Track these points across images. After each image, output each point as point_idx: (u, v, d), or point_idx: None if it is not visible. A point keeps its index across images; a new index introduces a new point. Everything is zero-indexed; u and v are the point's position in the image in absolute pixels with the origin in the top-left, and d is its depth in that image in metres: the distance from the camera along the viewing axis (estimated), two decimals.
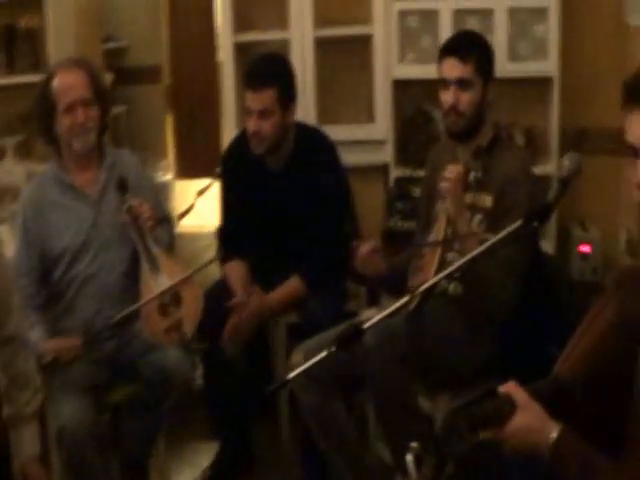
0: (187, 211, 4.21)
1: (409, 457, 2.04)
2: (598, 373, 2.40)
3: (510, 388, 2.22)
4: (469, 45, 3.71)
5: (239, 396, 4.17)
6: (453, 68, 3.62)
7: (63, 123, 3.74)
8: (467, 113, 3.62)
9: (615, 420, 2.30)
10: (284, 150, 4.19)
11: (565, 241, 5.16)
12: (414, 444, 2.05)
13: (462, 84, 3.62)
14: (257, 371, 4.26)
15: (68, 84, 3.73)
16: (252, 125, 4.05)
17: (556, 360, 2.54)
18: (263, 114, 4.03)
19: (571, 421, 2.21)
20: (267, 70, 4.11)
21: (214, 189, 4.53)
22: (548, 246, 4.76)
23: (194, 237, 6.88)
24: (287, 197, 4.19)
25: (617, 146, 4.94)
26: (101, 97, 3.83)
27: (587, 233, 5.13)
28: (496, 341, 3.58)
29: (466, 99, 3.62)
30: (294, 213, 4.18)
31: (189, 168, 8.47)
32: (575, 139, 5.06)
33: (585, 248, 5.09)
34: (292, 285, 4.17)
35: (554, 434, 2.14)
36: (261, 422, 4.43)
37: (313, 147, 4.24)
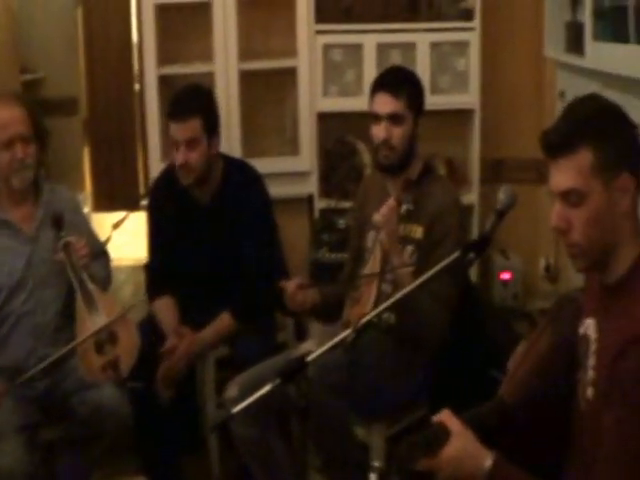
0: (104, 244, 4.18)
1: (372, 477, 2.08)
2: (539, 395, 2.48)
3: (444, 417, 2.25)
4: (401, 81, 3.77)
5: (169, 433, 4.14)
6: (386, 103, 3.67)
7: (1, 159, 3.71)
8: (399, 147, 3.68)
9: (555, 440, 2.38)
10: (212, 183, 4.19)
11: (487, 269, 5.27)
12: (376, 464, 2.09)
13: (394, 119, 3.67)
14: (185, 406, 4.24)
15: (6, 120, 3.71)
16: (180, 157, 4.04)
17: (486, 384, 2.62)
18: (190, 144, 4.02)
19: (515, 442, 2.28)
20: (191, 100, 4.11)
21: (132, 221, 4.51)
22: (471, 274, 4.85)
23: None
24: (215, 231, 4.19)
25: (534, 175, 5.09)
26: (39, 133, 3.81)
27: (508, 261, 5.27)
28: (429, 370, 3.64)
29: (398, 134, 3.67)
30: (222, 247, 4.18)
31: (106, 201, 8.40)
32: (494, 169, 5.19)
33: (506, 275, 5.22)
34: (223, 322, 4.16)
35: (489, 462, 2.17)
36: (191, 459, 4.39)
37: (241, 180, 4.24)
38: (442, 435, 2.19)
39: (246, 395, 2.72)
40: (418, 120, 3.75)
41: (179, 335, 4.09)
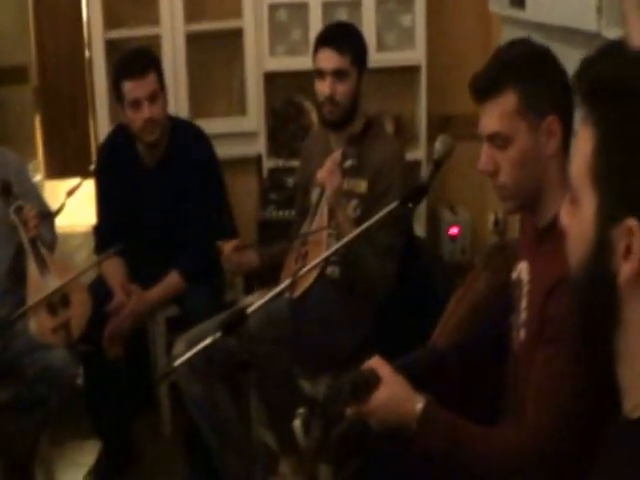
0: (58, 211, 4.16)
1: (297, 422, 2.08)
2: (472, 339, 2.52)
3: (374, 363, 2.25)
4: (345, 36, 3.77)
5: (120, 394, 4.14)
6: (330, 59, 3.67)
7: None
8: (343, 103, 3.68)
9: (490, 383, 2.42)
10: (159, 144, 4.18)
11: (435, 224, 5.31)
12: (301, 410, 2.09)
13: (339, 74, 3.67)
14: (137, 367, 4.24)
15: None
16: (146, 112, 4.01)
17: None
18: (151, 99, 4.02)
19: (449, 387, 2.30)
20: (144, 57, 4.15)
21: (85, 188, 4.50)
22: (419, 230, 4.89)
23: (65, 237, 6.79)
24: (163, 191, 4.19)
25: None
26: None
27: (456, 216, 5.31)
28: (373, 322, 3.67)
29: (342, 89, 3.67)
30: (170, 207, 4.19)
31: (59, 168, 8.35)
32: (441, 125, 5.20)
33: (454, 230, 5.27)
34: (171, 281, 4.17)
35: (419, 406, 2.17)
36: (143, 418, 4.42)
37: (188, 140, 4.24)
38: (372, 381, 2.18)
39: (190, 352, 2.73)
40: (362, 76, 3.75)
41: (126, 293, 4.09)
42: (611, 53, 1.31)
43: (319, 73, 3.71)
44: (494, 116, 2.26)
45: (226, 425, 3.73)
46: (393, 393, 2.19)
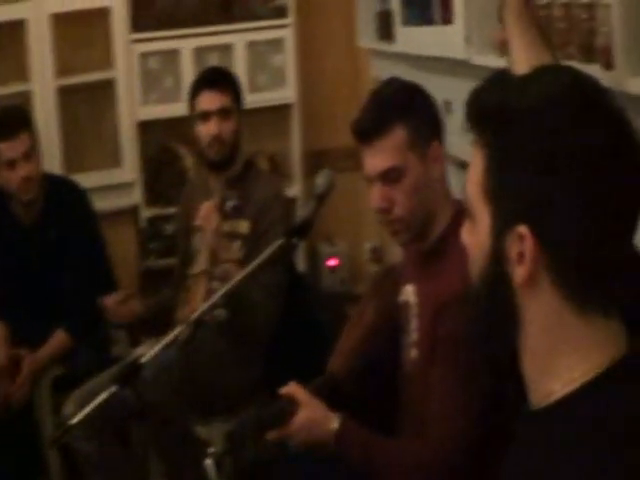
0: None
1: (208, 462, 2.13)
2: (366, 363, 2.60)
3: (291, 389, 2.37)
4: (224, 76, 3.88)
5: (4, 461, 4.00)
6: (213, 99, 3.72)
7: None
8: (229, 141, 3.73)
9: (386, 403, 2.50)
10: (35, 202, 4.10)
11: (314, 257, 5.35)
12: (211, 449, 2.14)
13: (224, 113, 3.72)
14: (21, 431, 4.09)
15: None
16: (21, 171, 3.93)
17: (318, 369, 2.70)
18: (26, 158, 3.94)
19: (346, 410, 2.38)
20: (15, 115, 4.08)
21: None
22: (299, 263, 4.90)
23: None
24: (42, 251, 4.11)
25: (355, 163, 5.18)
26: None
27: (334, 247, 5.37)
28: (263, 360, 3.69)
29: (228, 128, 3.73)
30: (50, 266, 4.10)
31: None
32: (316, 161, 5.26)
33: (333, 262, 5.33)
34: (58, 339, 4.07)
35: (335, 424, 2.29)
36: None
37: (64, 197, 4.18)
38: (290, 405, 2.31)
39: (84, 409, 2.68)
40: (241, 116, 3.82)
41: (16, 358, 3.98)
42: (495, 82, 1.40)
43: (203, 116, 3.74)
44: (386, 152, 2.35)
45: None
46: (311, 415, 2.32)
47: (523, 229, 1.28)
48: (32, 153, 3.99)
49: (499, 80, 1.40)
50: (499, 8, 2.24)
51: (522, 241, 1.29)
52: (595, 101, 1.33)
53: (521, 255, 1.30)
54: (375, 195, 2.38)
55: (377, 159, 2.36)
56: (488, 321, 1.41)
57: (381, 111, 2.39)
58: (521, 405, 1.41)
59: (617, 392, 1.30)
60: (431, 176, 2.38)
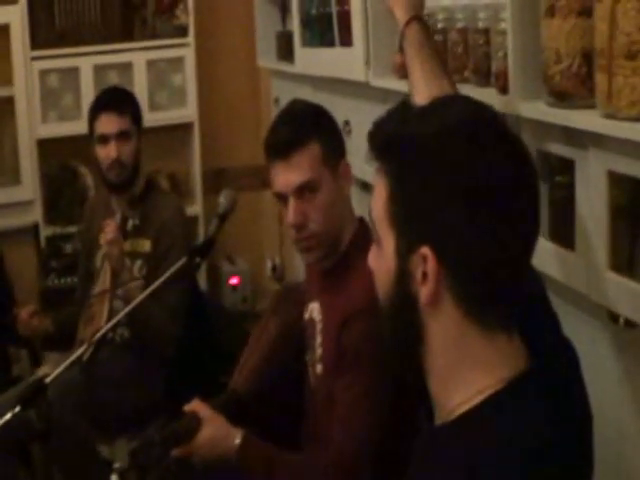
0: None
1: (114, 477, 2.14)
2: (270, 380, 2.65)
3: (194, 406, 2.40)
4: (123, 99, 3.85)
5: None
6: (111, 122, 3.71)
7: None
8: (129, 164, 3.73)
9: (289, 419, 2.57)
10: None
11: (215, 276, 5.37)
12: (117, 465, 2.15)
13: (122, 136, 3.72)
14: None
15: None
16: None
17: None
18: None
19: (250, 427, 2.41)
20: None
21: None
22: (200, 282, 4.90)
23: None
24: None
25: (255, 181, 5.22)
26: None
27: (235, 266, 5.41)
28: (165, 379, 3.70)
29: (127, 150, 3.73)
30: None
31: None
32: (216, 179, 5.29)
33: (234, 280, 5.37)
34: None
35: (238, 440, 2.34)
36: None
37: None
38: (194, 422, 2.34)
39: None
40: (140, 136, 3.82)
41: None
42: (396, 113, 1.46)
43: (101, 138, 3.73)
44: (303, 166, 2.39)
45: None
46: (215, 431, 2.36)
47: (426, 250, 1.35)
48: None
49: (400, 111, 1.47)
50: (400, 39, 2.28)
51: (425, 262, 1.35)
52: (490, 130, 1.40)
53: (425, 275, 1.36)
54: (290, 211, 2.41)
55: (293, 173, 2.40)
56: (395, 339, 1.47)
57: (297, 126, 2.44)
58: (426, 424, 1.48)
59: (517, 408, 1.36)
60: (341, 193, 2.45)
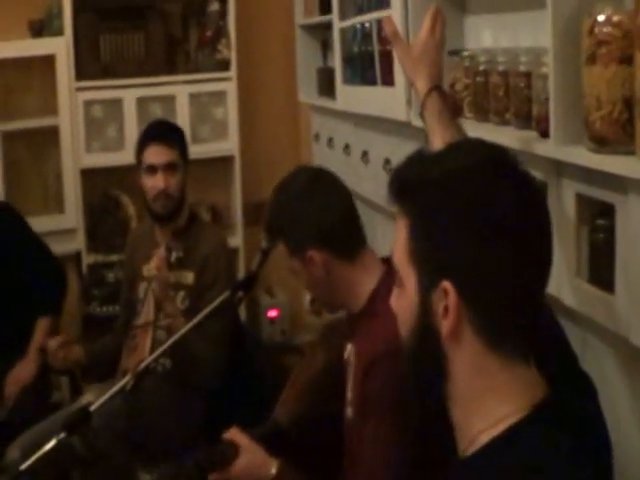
0: None
1: None
2: (313, 414, 2.70)
3: (233, 434, 2.46)
4: (171, 131, 3.92)
5: None
6: (160, 154, 3.77)
7: None
8: (175, 195, 3.78)
9: (328, 454, 2.57)
10: None
11: (254, 308, 5.41)
12: (146, 476, 2.21)
13: (170, 168, 3.77)
14: None
15: None
16: None
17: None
18: None
19: (290, 457, 2.45)
20: None
21: None
22: (240, 315, 4.95)
23: None
24: None
25: None
26: None
27: (273, 298, 5.44)
28: (205, 409, 3.72)
29: (175, 182, 3.78)
30: None
31: None
32: (256, 212, 5.33)
33: (273, 313, 5.40)
34: (42, 327, 4.12)
35: (274, 470, 2.38)
36: None
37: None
38: (232, 449, 2.40)
39: (28, 456, 2.71)
40: (187, 169, 3.87)
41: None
42: (413, 159, 1.54)
43: (149, 169, 3.78)
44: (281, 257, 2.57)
45: None
46: (251, 459, 2.41)
47: (447, 284, 1.42)
48: None
49: (417, 157, 1.55)
50: (420, 108, 2.34)
51: (446, 296, 1.42)
52: (504, 168, 1.47)
53: (446, 309, 1.43)
54: None
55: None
56: (419, 373, 1.54)
57: (268, 226, 2.62)
58: (452, 455, 1.52)
59: (540, 437, 1.41)
60: (317, 277, 2.49)
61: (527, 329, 1.47)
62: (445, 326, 1.43)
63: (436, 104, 2.29)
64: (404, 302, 1.51)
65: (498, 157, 1.49)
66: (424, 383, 1.54)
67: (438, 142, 2.22)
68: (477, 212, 1.41)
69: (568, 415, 1.48)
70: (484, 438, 1.44)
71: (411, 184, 1.49)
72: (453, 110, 2.41)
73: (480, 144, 1.59)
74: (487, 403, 1.45)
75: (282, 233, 2.55)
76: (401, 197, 1.51)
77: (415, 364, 1.53)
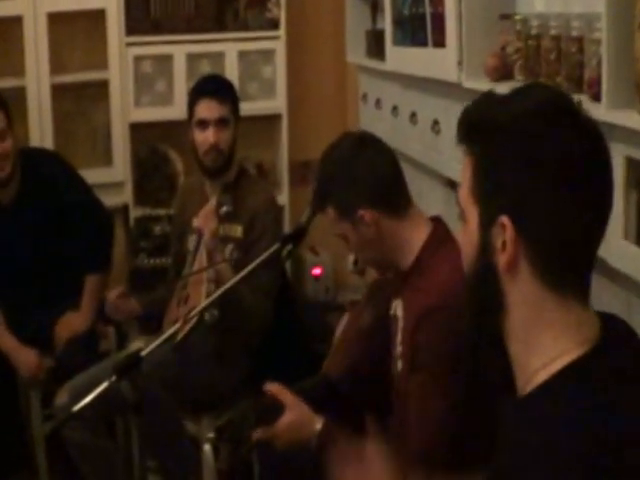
0: None
1: (207, 447, 2.25)
2: (360, 368, 2.74)
3: (276, 390, 2.50)
4: (224, 87, 3.94)
5: None
6: (212, 109, 3.79)
7: None
8: (225, 150, 3.81)
9: (375, 405, 2.63)
10: (13, 182, 4.09)
11: (299, 266, 5.47)
12: (210, 435, 2.26)
13: (222, 123, 3.79)
14: (6, 426, 4.17)
15: None
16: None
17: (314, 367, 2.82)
18: (2, 137, 3.95)
19: (339, 410, 2.52)
20: None
21: None
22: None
23: None
24: (27, 229, 4.10)
25: None
26: None
27: (318, 257, 5.49)
28: (252, 362, 3.78)
29: (225, 137, 3.80)
30: (42, 240, 4.12)
31: None
32: (302, 171, 5.38)
33: (317, 271, 5.44)
34: (94, 283, 4.17)
35: (318, 426, 2.44)
36: (20, 476, 4.26)
37: (40, 167, 4.17)
38: (276, 407, 2.44)
39: (77, 400, 2.78)
40: (238, 125, 3.90)
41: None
42: (481, 100, 1.59)
43: (200, 123, 3.80)
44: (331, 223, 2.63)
45: (114, 473, 3.75)
46: (296, 416, 2.46)
47: (505, 219, 1.47)
48: (6, 131, 3.99)
49: (485, 98, 1.60)
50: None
51: (504, 231, 1.47)
52: (568, 112, 1.51)
53: (504, 244, 1.48)
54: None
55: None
56: (477, 306, 1.58)
57: (317, 193, 2.67)
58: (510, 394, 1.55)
59: (595, 377, 1.44)
60: (366, 237, 2.56)
61: (584, 270, 1.51)
62: (502, 260, 1.48)
63: None
64: (467, 237, 1.56)
65: (563, 102, 1.53)
66: (482, 317, 1.57)
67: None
68: (539, 151, 1.46)
69: (624, 356, 1.50)
70: (541, 376, 1.47)
71: (478, 125, 1.54)
72: None
73: (547, 89, 1.63)
74: (543, 340, 1.48)
75: (331, 197, 2.59)
76: (468, 137, 1.55)
77: (473, 299, 1.58)
